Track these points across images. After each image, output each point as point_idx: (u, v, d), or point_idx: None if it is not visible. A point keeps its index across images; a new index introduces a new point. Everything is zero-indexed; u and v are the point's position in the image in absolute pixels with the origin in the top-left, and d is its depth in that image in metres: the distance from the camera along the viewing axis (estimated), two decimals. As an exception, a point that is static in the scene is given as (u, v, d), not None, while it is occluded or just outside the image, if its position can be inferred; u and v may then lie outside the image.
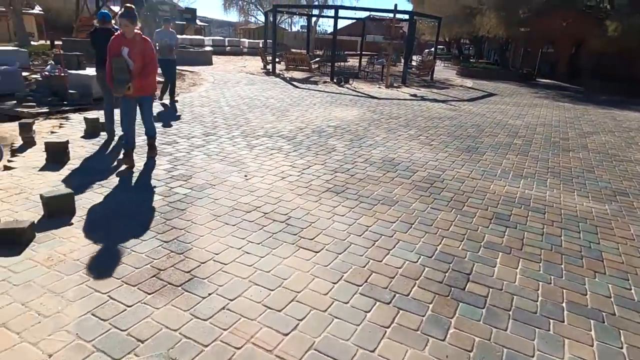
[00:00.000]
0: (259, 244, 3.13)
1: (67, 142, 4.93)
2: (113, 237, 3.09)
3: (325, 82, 15.18)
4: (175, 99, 9.09)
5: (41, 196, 3.37)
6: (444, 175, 5.11)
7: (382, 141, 6.68)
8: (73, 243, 2.98)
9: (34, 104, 7.86)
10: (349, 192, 4.34)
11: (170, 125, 6.93)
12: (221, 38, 33.69)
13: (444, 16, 20.44)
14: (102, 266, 2.72)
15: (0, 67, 8.93)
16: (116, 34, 4.56)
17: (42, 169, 4.53)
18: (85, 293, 2.44)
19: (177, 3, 44.29)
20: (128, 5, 4.37)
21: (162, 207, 3.67)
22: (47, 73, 8.75)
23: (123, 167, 4.70)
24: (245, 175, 4.64)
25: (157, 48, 8.20)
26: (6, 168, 4.54)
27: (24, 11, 26.68)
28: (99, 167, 4.65)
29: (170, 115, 7.73)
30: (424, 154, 6.05)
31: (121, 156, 4.95)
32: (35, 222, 3.24)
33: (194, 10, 36.97)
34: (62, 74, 8.58)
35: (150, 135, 5.14)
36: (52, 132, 6.16)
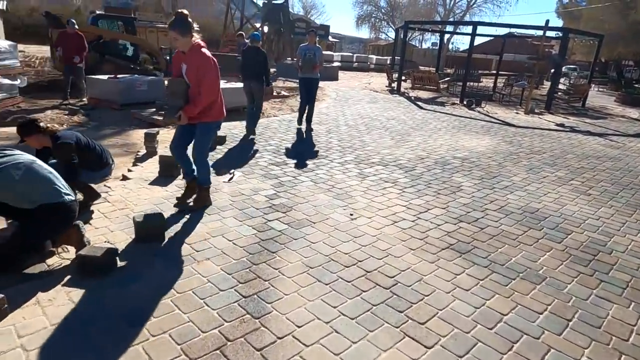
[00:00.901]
0: (353, 319, 2.44)
1: (180, 156, 4.89)
2: (188, 281, 2.71)
3: (453, 103, 13.95)
4: (310, 126, 7.92)
5: (133, 219, 3.18)
6: (611, 244, 3.82)
7: (521, 183, 5.48)
8: (145, 282, 2.67)
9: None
10: (477, 253, 3.41)
11: (281, 145, 6.69)
12: (349, 54, 34.17)
13: (606, 34, 17.47)
14: (164, 323, 2.31)
15: (147, 77, 9.85)
16: (177, 50, 3.59)
17: (153, 182, 4.50)
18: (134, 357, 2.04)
19: (314, 20, 46.54)
20: (179, 11, 3.37)
21: (252, 246, 3.23)
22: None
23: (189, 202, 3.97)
24: (351, 214, 4.01)
25: (300, 64, 7.55)
26: (124, 178, 4.62)
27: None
28: (203, 186, 4.48)
29: (301, 142, 7.54)
30: (580, 208, 4.72)
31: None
32: (122, 246, 3.05)
33: (327, 27, 38.21)
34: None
35: (198, 180, 3.86)
36: (175, 142, 6.33)
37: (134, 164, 5.15)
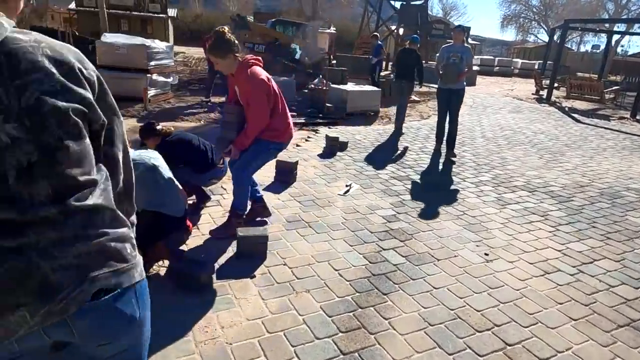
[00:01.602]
0: (485, 419, 1.77)
1: (296, 163, 4.64)
2: (282, 317, 2.32)
3: (621, 117, 11.52)
4: (453, 153, 6.07)
5: (237, 232, 2.94)
6: None
7: None
8: (236, 311, 2.35)
9: (295, 114, 8.39)
10: (675, 340, 2.38)
11: (406, 156, 6.05)
12: (490, 57, 31.52)
13: None
14: (250, 369, 1.94)
15: (280, 78, 10.07)
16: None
17: (268, 187, 4.31)
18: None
19: (452, 22, 44.20)
20: (216, 31, 2.85)
21: (361, 281, 2.73)
22: (312, 85, 9.32)
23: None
24: (487, 254, 3.23)
25: (440, 71, 5.87)
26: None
27: (320, 30, 31.56)
28: (321, 195, 4.13)
29: (430, 156, 6.88)
30: None
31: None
32: (223, 259, 2.83)
33: (467, 29, 35.79)
34: (324, 87, 8.94)
35: (233, 204, 3.20)
36: (297, 145, 6.19)
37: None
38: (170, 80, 9.57)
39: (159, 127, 3.29)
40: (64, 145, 0.85)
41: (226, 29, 2.85)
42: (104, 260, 0.91)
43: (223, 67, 2.88)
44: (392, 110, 9.81)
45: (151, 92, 8.47)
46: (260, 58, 3.04)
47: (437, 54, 6.65)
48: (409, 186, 4.71)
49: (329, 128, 7.48)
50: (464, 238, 3.48)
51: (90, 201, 0.90)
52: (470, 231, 3.63)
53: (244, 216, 3.31)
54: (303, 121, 7.85)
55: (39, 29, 14.88)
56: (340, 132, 7.09)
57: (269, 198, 4.00)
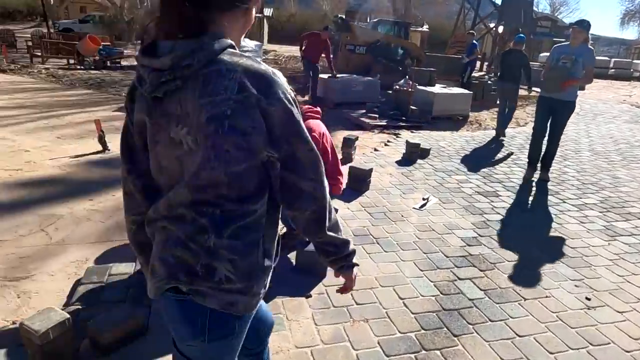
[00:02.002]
0: None
1: (371, 170, 4.36)
2: (333, 349, 2.09)
3: None
4: (547, 176, 5.03)
5: (296, 244, 2.77)
6: None
7: None
8: (285, 335, 2.17)
9: (377, 115, 8.08)
10: None
11: (495, 168, 5.44)
12: (605, 58, 28.01)
13: None
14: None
15: (364, 78, 9.80)
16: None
17: (340, 195, 4.10)
18: None
19: (562, 19, 40.16)
20: None
21: (427, 317, 2.39)
22: (397, 86, 8.91)
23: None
24: (588, 298, 2.69)
25: (544, 75, 4.73)
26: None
27: (413, 29, 30.61)
28: (394, 207, 3.82)
29: (522, 171, 6.21)
30: None
31: None
32: (282, 272, 2.67)
33: (588, 25, 32.19)
34: (409, 89, 8.49)
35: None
36: (375, 150, 5.91)
37: (327, 170, 4.90)
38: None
39: None
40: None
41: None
42: None
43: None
44: (483, 115, 9.05)
45: (237, 89, 8.72)
46: (318, 110, 2.96)
47: (544, 54, 5.85)
48: (496, 204, 4.18)
49: (412, 132, 7.06)
50: (560, 274, 2.95)
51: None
52: (568, 266, 3.07)
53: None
54: (384, 124, 7.52)
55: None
56: (423, 137, 6.65)
57: (338, 206, 3.79)
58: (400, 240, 3.26)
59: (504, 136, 7.14)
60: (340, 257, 1.12)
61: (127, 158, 1.05)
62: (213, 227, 0.95)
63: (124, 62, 14.09)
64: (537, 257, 3.17)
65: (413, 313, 2.41)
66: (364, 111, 8.39)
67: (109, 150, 5.09)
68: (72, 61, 13.43)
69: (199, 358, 1.07)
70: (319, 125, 2.88)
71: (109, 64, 13.49)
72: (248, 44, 9.34)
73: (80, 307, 2.20)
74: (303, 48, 9.47)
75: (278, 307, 2.36)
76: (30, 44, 14.11)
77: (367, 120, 7.64)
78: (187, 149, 0.91)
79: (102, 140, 5.07)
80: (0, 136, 5.41)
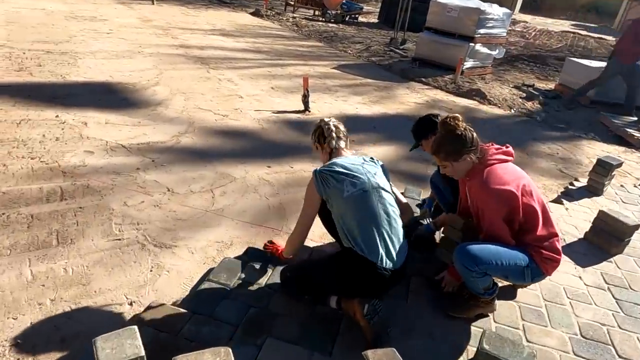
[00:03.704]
0: None
1: (636, 227, 2.82)
2: None
3: None
4: None
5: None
6: None
7: None
8: None
9: (655, 129, 5.70)
10: None
11: None
12: None
13: None
14: None
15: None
16: None
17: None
18: None
19: None
20: (447, 121, 1.92)
21: None
22: None
23: None
24: None
25: None
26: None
27: None
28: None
29: None
30: None
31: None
32: None
33: None
34: None
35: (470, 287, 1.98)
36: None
37: (562, 195, 3.51)
38: (495, 53, 8.22)
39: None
40: None
41: (459, 119, 1.91)
42: None
43: (454, 171, 1.99)
44: None
45: (468, 63, 7.46)
46: (510, 151, 2.00)
47: None
48: None
49: None
50: None
51: None
52: None
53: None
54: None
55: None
56: None
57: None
58: None
59: None
60: None
61: None
62: None
63: (361, 19, 14.11)
64: None
65: None
66: (637, 119, 6.06)
67: (309, 111, 4.83)
68: (317, 12, 14.15)
69: None
70: (511, 173, 1.94)
71: (347, 18, 13.69)
72: (495, 11, 7.81)
73: (190, 313, 1.83)
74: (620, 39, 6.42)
75: None
76: (287, -8, 15.44)
77: (638, 135, 5.45)
78: None
79: (305, 99, 4.83)
80: (228, 77, 5.79)
